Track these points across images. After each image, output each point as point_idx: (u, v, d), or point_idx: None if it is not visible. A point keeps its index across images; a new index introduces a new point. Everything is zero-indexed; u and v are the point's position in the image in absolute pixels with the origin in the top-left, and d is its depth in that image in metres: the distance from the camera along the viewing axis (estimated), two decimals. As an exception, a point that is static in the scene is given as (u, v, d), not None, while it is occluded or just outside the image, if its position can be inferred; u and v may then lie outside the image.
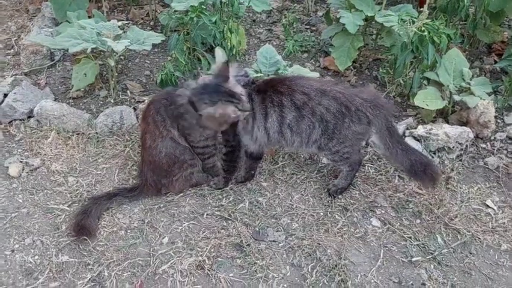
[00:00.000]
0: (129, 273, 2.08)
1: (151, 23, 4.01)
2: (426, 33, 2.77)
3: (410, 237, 2.23)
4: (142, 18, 4.15)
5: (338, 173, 2.55)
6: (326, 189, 2.49)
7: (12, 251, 2.19)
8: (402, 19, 2.93)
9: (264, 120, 2.31)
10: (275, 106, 2.30)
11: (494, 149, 2.77)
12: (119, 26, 3.06)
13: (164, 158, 2.40)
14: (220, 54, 2.49)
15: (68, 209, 2.40)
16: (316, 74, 3.11)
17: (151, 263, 2.12)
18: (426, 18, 2.81)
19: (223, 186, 2.52)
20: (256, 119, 2.32)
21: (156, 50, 3.76)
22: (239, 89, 2.20)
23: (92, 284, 2.04)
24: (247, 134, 2.37)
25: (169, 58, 3.37)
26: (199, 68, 3.12)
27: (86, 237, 2.20)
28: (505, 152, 2.75)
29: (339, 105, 2.29)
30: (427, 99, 2.80)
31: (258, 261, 2.10)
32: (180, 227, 2.30)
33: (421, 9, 2.95)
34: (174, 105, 2.35)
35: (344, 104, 2.29)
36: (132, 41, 2.98)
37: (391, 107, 2.50)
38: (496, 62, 3.48)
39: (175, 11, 2.98)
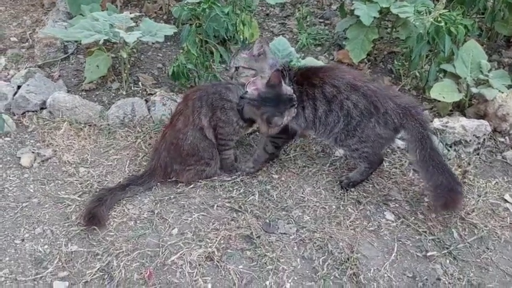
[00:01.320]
0: (138, 263, 2.06)
1: (164, 17, 4.00)
2: (443, 23, 2.70)
3: (425, 232, 2.17)
4: (156, 12, 4.14)
5: (352, 166, 2.50)
6: (338, 181, 2.44)
7: (22, 240, 2.19)
8: (418, 10, 2.87)
9: (302, 111, 2.34)
10: (309, 99, 2.32)
11: (513, 143, 2.69)
12: (131, 18, 3.05)
13: (188, 146, 2.39)
14: (257, 45, 2.49)
15: (78, 199, 2.39)
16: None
17: (160, 253, 2.10)
18: (443, 10, 2.74)
19: (261, 167, 2.52)
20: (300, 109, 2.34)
21: (169, 43, 3.75)
22: (289, 89, 2.27)
23: (101, 273, 2.03)
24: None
25: (181, 51, 3.35)
26: (211, 61, 3.09)
27: (96, 227, 2.19)
28: (524, 146, 2.67)
29: (368, 103, 2.24)
30: (443, 92, 2.73)
31: (268, 254, 2.07)
32: (190, 218, 2.27)
33: (437, 1, 2.88)
34: (219, 95, 2.37)
35: (373, 103, 2.24)
36: (144, 32, 2.97)
37: (426, 119, 2.37)
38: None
39: (187, 2, 2.95)
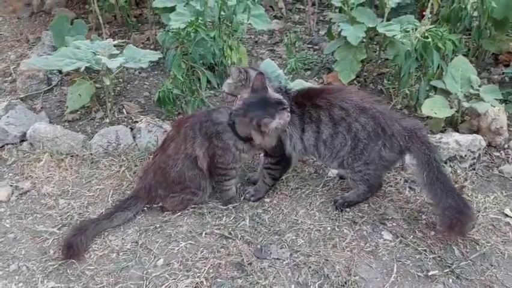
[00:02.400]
0: (120, 298, 1.92)
1: (151, 47, 3.97)
2: (430, 39, 2.67)
3: (425, 250, 2.06)
4: (143, 43, 4.12)
5: (346, 186, 2.40)
6: (332, 202, 2.33)
7: (-4, 278, 2.04)
8: (404, 29, 2.85)
9: (302, 133, 2.26)
10: (312, 122, 2.24)
11: (508, 157, 2.61)
12: (115, 46, 3.00)
13: (175, 173, 2.28)
14: (234, 72, 2.42)
15: (57, 231, 2.26)
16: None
17: (144, 286, 1.96)
18: (430, 26, 2.72)
19: (263, 196, 2.41)
20: (296, 130, 2.26)
21: (156, 72, 3.71)
22: (278, 95, 2.19)
23: (80, 310, 1.87)
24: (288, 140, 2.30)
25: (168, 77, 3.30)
26: (198, 86, 3.02)
27: (73, 259, 2.05)
28: (520, 160, 2.59)
29: (376, 125, 2.18)
30: (435, 108, 2.67)
31: (261, 281, 1.93)
32: (177, 248, 2.14)
33: (422, 19, 2.86)
34: (211, 122, 2.26)
35: (381, 125, 2.18)
36: (128, 59, 2.91)
37: (432, 142, 2.31)
38: (504, 74, 3.36)
39: (172, 28, 2.91)
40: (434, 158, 2.15)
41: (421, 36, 2.67)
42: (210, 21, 3.14)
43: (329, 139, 2.22)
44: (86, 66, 2.90)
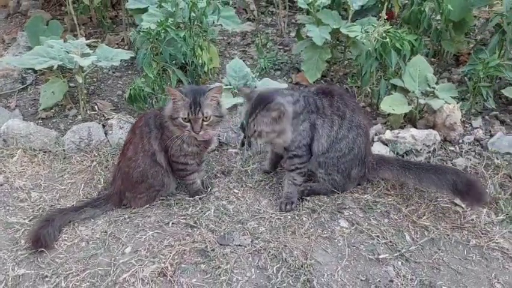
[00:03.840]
0: (88, 283, 2.00)
1: (126, 48, 4.04)
2: (388, 40, 2.82)
3: (378, 236, 2.19)
4: (118, 44, 4.19)
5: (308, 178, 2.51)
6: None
7: (-33, 266, 2.10)
8: (365, 30, 3.00)
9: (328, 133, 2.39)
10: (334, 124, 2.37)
11: (462, 151, 2.77)
12: (88, 45, 3.08)
13: (137, 173, 2.37)
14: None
15: (28, 223, 2.33)
16: (285, 85, 3.14)
17: (112, 272, 2.04)
18: (389, 27, 2.87)
19: (297, 197, 2.42)
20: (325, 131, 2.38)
21: (130, 72, 3.79)
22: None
23: (49, 295, 1.95)
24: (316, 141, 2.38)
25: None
26: (168, 84, 3.12)
27: (42, 248, 2.12)
28: (472, 153, 2.76)
29: (366, 143, 2.42)
30: (393, 104, 2.82)
31: (223, 265, 2.04)
32: (144, 236, 2.23)
33: (379, 21, 3.01)
34: (162, 113, 2.34)
35: (366, 146, 2.44)
36: (100, 57, 2.99)
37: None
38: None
39: (143, 28, 3.01)
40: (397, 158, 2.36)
41: (380, 37, 2.81)
42: (181, 22, 3.25)
43: (341, 142, 2.34)
44: (59, 65, 2.98)
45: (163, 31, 2.92)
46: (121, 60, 3.14)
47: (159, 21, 2.89)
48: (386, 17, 2.88)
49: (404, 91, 2.96)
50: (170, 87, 2.18)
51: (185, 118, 2.19)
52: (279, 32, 4.42)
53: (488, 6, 3.67)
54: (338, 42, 3.68)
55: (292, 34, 4.38)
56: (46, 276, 2.04)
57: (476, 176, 2.55)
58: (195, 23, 3.21)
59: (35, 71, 3.68)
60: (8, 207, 2.45)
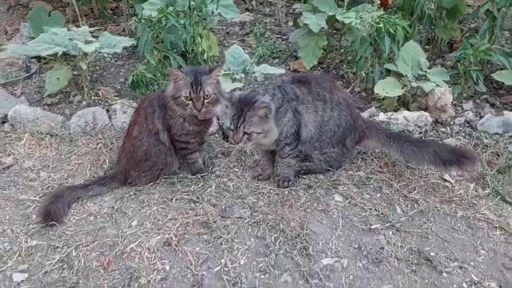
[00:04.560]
0: (97, 252, 2.12)
1: (127, 37, 4.14)
2: (382, 25, 2.93)
3: (370, 209, 2.31)
4: (119, 34, 4.27)
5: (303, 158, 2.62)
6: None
7: (-18, 239, 2.22)
8: (360, 16, 3.11)
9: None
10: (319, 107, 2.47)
11: (453, 132, 2.89)
12: (91, 32, 3.19)
13: (142, 152, 2.49)
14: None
15: (38, 199, 2.44)
16: (282, 70, 3.26)
17: (119, 242, 2.16)
18: (382, 13, 2.98)
19: (293, 176, 2.52)
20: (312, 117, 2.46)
21: (131, 60, 3.90)
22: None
23: (61, 264, 2.07)
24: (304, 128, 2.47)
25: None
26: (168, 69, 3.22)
27: (54, 222, 2.24)
28: (463, 134, 2.87)
29: (351, 117, 2.52)
30: (387, 88, 2.94)
31: (224, 235, 2.16)
32: (149, 211, 2.35)
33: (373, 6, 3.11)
34: (165, 92, 2.44)
35: (353, 118, 2.54)
36: (103, 44, 3.10)
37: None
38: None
39: (145, 15, 3.11)
40: (389, 131, 2.49)
41: (374, 22, 2.92)
42: (181, 11, 3.35)
43: (328, 123, 2.45)
44: (63, 53, 3.09)
45: (163, 18, 3.03)
46: (123, 48, 3.25)
47: (160, 8, 2.99)
48: (379, 2, 2.98)
49: (398, 75, 3.07)
50: (172, 68, 2.29)
51: (187, 97, 2.30)
52: (277, 22, 4.52)
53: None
54: (334, 31, 3.79)
55: (290, 24, 4.48)
56: (57, 247, 2.15)
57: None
58: (195, 11, 3.31)
59: (39, 60, 3.79)
60: (18, 186, 2.57)
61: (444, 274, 1.98)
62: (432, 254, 2.07)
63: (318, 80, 2.50)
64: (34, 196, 2.48)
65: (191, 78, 2.30)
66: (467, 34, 3.49)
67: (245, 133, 2.22)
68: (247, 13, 4.69)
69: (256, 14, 4.71)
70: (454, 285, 1.94)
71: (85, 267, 2.06)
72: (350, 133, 2.50)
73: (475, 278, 1.97)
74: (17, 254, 2.13)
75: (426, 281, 1.96)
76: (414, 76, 3.03)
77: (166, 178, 2.57)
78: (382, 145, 2.54)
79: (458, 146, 2.66)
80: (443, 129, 2.95)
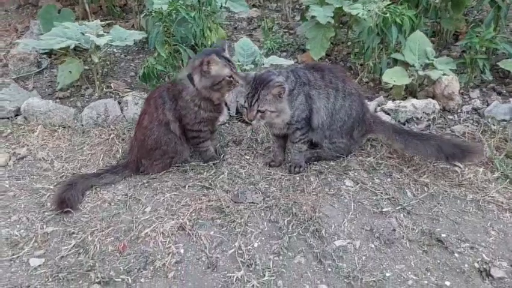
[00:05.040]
0: (112, 238, 2.16)
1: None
2: (388, 15, 2.96)
3: (381, 193, 2.34)
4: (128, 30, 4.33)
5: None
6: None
7: (-2, 227, 2.26)
8: (368, 8, 3.14)
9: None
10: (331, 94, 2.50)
11: (460, 119, 2.91)
12: (102, 26, 3.23)
13: (152, 140, 2.53)
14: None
15: (53, 188, 2.48)
16: (291, 62, 3.29)
17: (134, 228, 2.20)
18: (388, 2, 3.01)
19: (304, 161, 2.54)
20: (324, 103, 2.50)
21: (141, 55, 3.95)
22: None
23: (76, 249, 2.11)
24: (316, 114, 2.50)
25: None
26: (180, 62, 3.27)
27: (69, 208, 2.28)
28: (470, 121, 2.90)
29: (361, 109, 2.55)
30: (395, 76, 2.97)
31: (237, 220, 2.19)
32: (163, 198, 2.38)
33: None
34: (175, 85, 2.51)
35: (363, 109, 2.59)
36: (114, 38, 3.15)
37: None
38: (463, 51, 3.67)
39: (155, 9, 3.15)
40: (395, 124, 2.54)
41: (381, 12, 2.95)
42: (189, 5, 3.39)
43: (340, 112, 2.48)
44: (74, 48, 3.13)
45: (174, 11, 3.07)
46: (134, 41, 3.29)
47: (170, 1, 3.04)
48: (386, -6, 3.02)
49: (405, 65, 3.10)
50: (214, 55, 2.36)
51: (230, 76, 2.40)
52: (284, 17, 4.56)
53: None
54: (341, 25, 3.82)
55: (297, 18, 4.52)
56: (73, 233, 2.19)
57: (473, 140, 2.68)
58: (204, 5, 3.35)
59: (49, 56, 3.85)
60: (32, 176, 2.61)
61: (455, 254, 2.01)
62: (443, 235, 2.10)
63: (331, 68, 2.54)
64: (48, 185, 2.52)
65: (221, 59, 2.40)
66: (473, 25, 3.52)
67: (259, 111, 2.26)
68: (254, 9, 4.74)
69: (263, 9, 4.75)
70: (466, 265, 1.96)
71: (100, 251, 2.09)
72: (358, 125, 2.54)
73: (486, 257, 1.99)
74: (33, 240, 2.17)
75: (438, 261, 1.98)
76: (421, 65, 3.06)
77: (178, 166, 2.61)
78: (387, 138, 2.58)
79: (464, 138, 2.68)
80: (450, 117, 2.97)
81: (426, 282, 1.90)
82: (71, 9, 4.49)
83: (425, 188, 2.36)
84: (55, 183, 2.53)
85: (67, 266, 2.03)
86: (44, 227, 2.25)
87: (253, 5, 4.85)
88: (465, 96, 3.15)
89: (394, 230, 2.12)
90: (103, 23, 3.27)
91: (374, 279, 1.90)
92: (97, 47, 3.10)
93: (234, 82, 2.42)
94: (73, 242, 2.15)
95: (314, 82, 2.43)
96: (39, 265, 2.06)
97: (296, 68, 2.53)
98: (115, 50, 3.99)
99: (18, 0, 5.15)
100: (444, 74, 2.98)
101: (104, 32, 3.28)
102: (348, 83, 2.53)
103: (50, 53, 3.84)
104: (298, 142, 2.47)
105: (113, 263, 2.04)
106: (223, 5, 3.50)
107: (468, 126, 2.82)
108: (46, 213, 2.33)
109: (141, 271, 1.98)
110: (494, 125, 2.79)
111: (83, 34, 3.12)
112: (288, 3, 4.55)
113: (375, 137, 2.68)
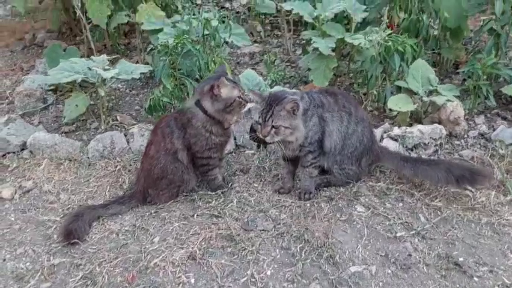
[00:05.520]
0: (121, 268, 2.10)
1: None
2: (391, 43, 3.01)
3: (394, 218, 2.30)
4: (132, 67, 4.39)
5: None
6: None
7: (4, 260, 2.21)
8: (369, 38, 3.20)
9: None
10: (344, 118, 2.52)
11: (468, 144, 2.91)
12: (109, 60, 3.29)
13: (158, 169, 2.51)
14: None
15: (59, 220, 2.45)
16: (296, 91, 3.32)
17: (143, 258, 2.15)
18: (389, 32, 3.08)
19: (314, 188, 2.53)
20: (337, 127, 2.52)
21: (145, 90, 3.99)
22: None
23: (84, 281, 2.05)
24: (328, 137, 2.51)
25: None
26: (185, 94, 3.30)
27: (76, 240, 2.23)
28: (478, 146, 2.90)
29: (370, 137, 2.59)
30: (399, 103, 2.99)
31: (248, 247, 2.14)
32: (171, 227, 2.34)
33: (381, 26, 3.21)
34: (182, 112, 2.53)
35: (372, 139, 2.62)
36: (121, 71, 3.19)
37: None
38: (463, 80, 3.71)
39: (160, 43, 3.22)
40: (401, 153, 2.55)
41: (383, 41, 3.01)
42: (195, 40, 3.46)
43: (352, 137, 2.49)
44: (80, 83, 3.17)
45: (180, 45, 3.13)
46: (138, 77, 3.32)
47: (176, 34, 3.10)
48: (387, 24, 3.08)
49: (409, 92, 3.13)
50: (223, 78, 2.38)
51: (239, 96, 2.43)
52: (285, 51, 4.65)
53: (478, 14, 3.90)
54: (342, 57, 3.89)
55: (298, 52, 4.61)
56: (80, 264, 2.14)
57: (482, 164, 2.67)
58: (208, 39, 3.42)
59: (55, 92, 3.89)
60: (38, 209, 2.58)
61: (475, 278, 1.95)
62: (460, 259, 2.05)
63: (344, 93, 2.60)
64: (55, 217, 2.48)
65: (232, 83, 2.45)
66: (473, 52, 3.58)
67: (273, 127, 2.28)
68: (256, 44, 4.83)
69: (265, 44, 4.85)
70: (486, 289, 1.91)
71: (109, 283, 2.03)
72: (367, 153, 2.54)
73: (507, 281, 1.94)
74: (39, 273, 2.12)
75: (457, 286, 1.93)
76: (425, 92, 3.09)
77: (186, 196, 2.58)
78: (396, 166, 2.58)
79: (472, 163, 2.69)
80: (457, 142, 2.97)
81: (447, 307, 1.84)
82: (76, 47, 4.60)
83: (438, 212, 2.33)
84: (61, 215, 2.49)
85: (74, 298, 1.97)
86: (51, 259, 2.20)
87: (255, 41, 4.95)
88: (470, 122, 3.16)
89: (410, 255, 2.07)
90: (109, 57, 3.32)
91: (392, 305, 1.85)
92: (103, 81, 3.13)
93: (243, 102, 2.45)
94: (80, 273, 2.09)
95: (328, 105, 2.45)
96: (46, 298, 2.00)
97: (310, 92, 2.55)
98: (119, 85, 4.03)
99: (24, 42, 5.25)
100: (448, 100, 3.00)
101: (110, 68, 3.32)
102: (359, 109, 2.56)
103: (55, 90, 3.88)
104: (310, 166, 2.46)
105: (122, 295, 1.98)
106: (227, 39, 3.57)
107: (476, 151, 2.81)
108: (53, 245, 2.29)
109: (151, 302, 1.92)
110: (502, 149, 2.78)
111: (89, 69, 3.16)
112: (289, 38, 4.65)
113: (383, 165, 2.66)
